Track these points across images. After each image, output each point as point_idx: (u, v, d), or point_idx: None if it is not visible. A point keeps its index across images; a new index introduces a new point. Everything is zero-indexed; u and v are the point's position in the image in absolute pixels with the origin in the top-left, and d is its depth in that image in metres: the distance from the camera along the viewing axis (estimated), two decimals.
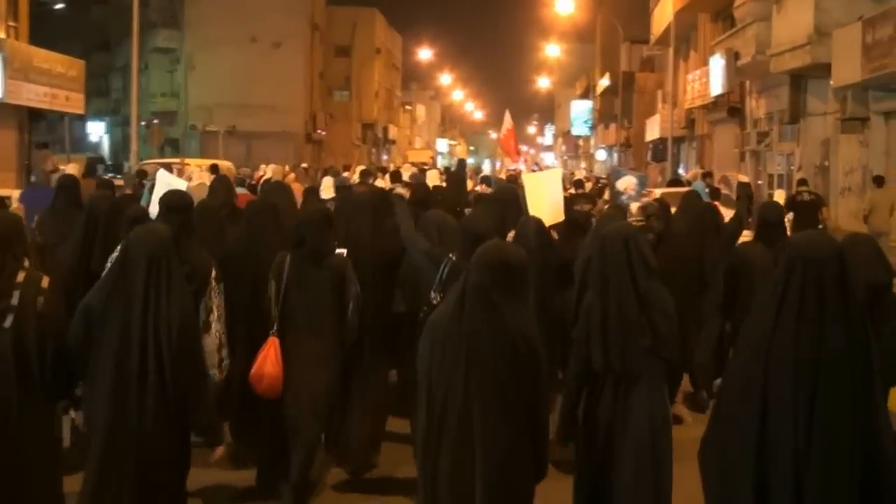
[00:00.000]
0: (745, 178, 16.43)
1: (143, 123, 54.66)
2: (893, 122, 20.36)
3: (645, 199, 12.05)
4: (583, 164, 71.75)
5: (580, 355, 4.93)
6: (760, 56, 24.97)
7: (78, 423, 5.19)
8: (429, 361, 4.25)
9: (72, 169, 14.97)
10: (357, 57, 68.40)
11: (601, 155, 64.46)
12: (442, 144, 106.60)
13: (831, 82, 21.04)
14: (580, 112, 69.76)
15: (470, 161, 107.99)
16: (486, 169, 50.84)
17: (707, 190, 16.90)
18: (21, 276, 4.67)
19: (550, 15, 66.25)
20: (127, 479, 4.52)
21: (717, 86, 28.29)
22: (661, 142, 39.78)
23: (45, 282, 4.74)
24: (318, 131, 61.12)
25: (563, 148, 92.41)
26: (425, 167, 30.61)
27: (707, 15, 34.72)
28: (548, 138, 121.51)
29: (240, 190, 13.87)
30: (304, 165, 31.84)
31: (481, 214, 6.94)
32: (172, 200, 6.04)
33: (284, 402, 5.95)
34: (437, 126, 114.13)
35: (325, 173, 19.44)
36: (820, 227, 16.77)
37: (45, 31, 40.66)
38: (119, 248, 5.32)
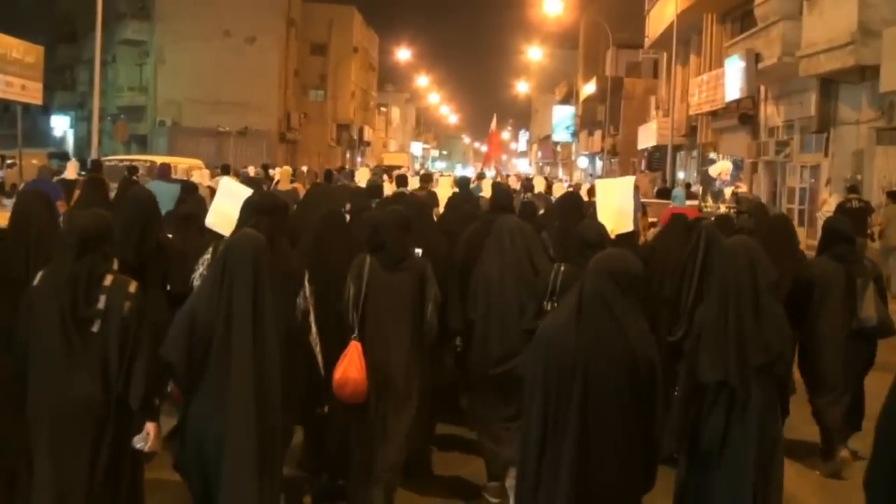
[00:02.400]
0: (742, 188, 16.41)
1: (109, 118, 52.22)
2: None
3: (740, 189, 12.13)
4: (560, 172, 69.43)
5: (692, 369, 4.78)
6: (787, 58, 22.50)
7: (148, 436, 4.68)
8: (543, 370, 4.19)
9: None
10: (333, 55, 65.98)
11: (583, 162, 62.05)
12: (416, 148, 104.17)
13: (880, 87, 18.52)
14: (562, 118, 67.32)
15: (442, 165, 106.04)
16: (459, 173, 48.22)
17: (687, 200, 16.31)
18: (109, 280, 4.65)
19: (533, 17, 64.15)
20: (249, 482, 4.44)
21: (733, 90, 25.76)
22: (656, 149, 37.28)
23: (133, 286, 4.73)
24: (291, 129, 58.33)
25: (539, 154, 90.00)
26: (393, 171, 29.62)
27: (713, 15, 32.29)
28: (522, 144, 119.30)
29: None
30: (305, 168, 30.36)
31: (594, 222, 6.53)
32: (264, 203, 5.76)
33: (368, 412, 5.73)
34: (412, 129, 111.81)
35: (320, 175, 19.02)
36: (869, 232, 16.93)
37: (8, 20, 37.96)
38: (214, 254, 5.33)
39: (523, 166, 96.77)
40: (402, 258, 5.89)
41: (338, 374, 5.60)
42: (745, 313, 4.64)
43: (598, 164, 55.61)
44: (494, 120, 28.19)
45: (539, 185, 22.21)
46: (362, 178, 18.78)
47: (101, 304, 4.57)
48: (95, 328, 4.56)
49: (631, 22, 46.40)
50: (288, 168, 21.02)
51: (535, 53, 69.98)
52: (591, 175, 56.47)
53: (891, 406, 3.76)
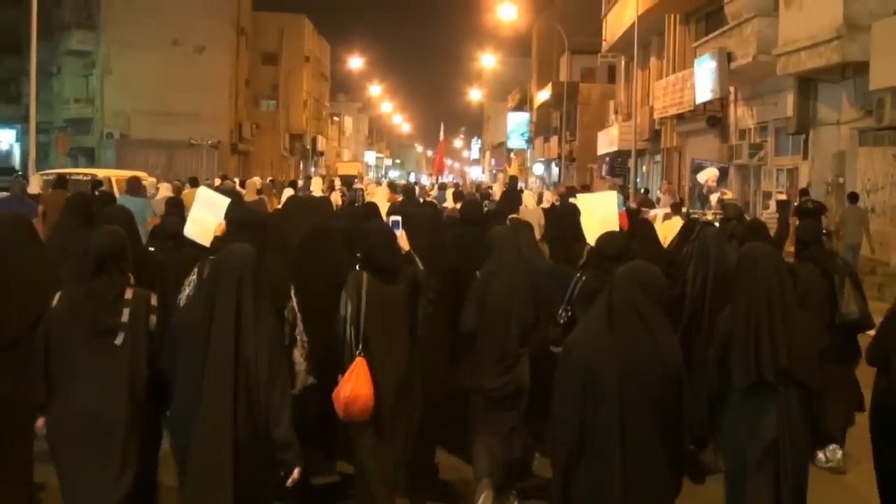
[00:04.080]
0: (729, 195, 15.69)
1: (55, 131, 49.64)
2: None
3: (727, 196, 11.94)
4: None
5: (714, 374, 4.73)
6: (763, 56, 20.95)
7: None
8: (577, 383, 4.15)
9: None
10: (285, 65, 63.97)
11: (538, 169, 60.55)
12: (370, 157, 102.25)
13: (870, 84, 16.99)
14: (517, 124, 65.71)
15: (395, 174, 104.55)
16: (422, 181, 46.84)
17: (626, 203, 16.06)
18: (129, 294, 4.68)
19: (486, 24, 62.57)
20: (222, 492, 4.34)
21: (704, 91, 24.18)
22: (617, 155, 35.71)
23: (154, 299, 4.81)
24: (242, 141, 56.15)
25: (493, 161, 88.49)
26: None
27: (676, 16, 30.80)
28: (475, 152, 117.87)
29: None
30: (270, 179, 29.43)
31: (613, 234, 6.24)
32: (245, 218, 5.75)
33: (375, 428, 5.48)
34: (365, 138, 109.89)
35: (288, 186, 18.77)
36: (824, 232, 16.42)
37: None
38: (199, 274, 5.19)
39: (476, 174, 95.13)
40: (395, 269, 5.66)
41: (346, 391, 5.34)
42: (775, 317, 4.57)
43: (555, 170, 54.14)
44: (442, 129, 27.37)
45: (497, 193, 20.73)
46: (316, 187, 18.24)
47: (125, 316, 4.59)
48: (119, 341, 4.57)
49: (586, 26, 45.01)
50: (256, 179, 20.19)
51: (488, 60, 68.55)
52: (543, 181, 55.20)
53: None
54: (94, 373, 4.54)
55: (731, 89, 25.18)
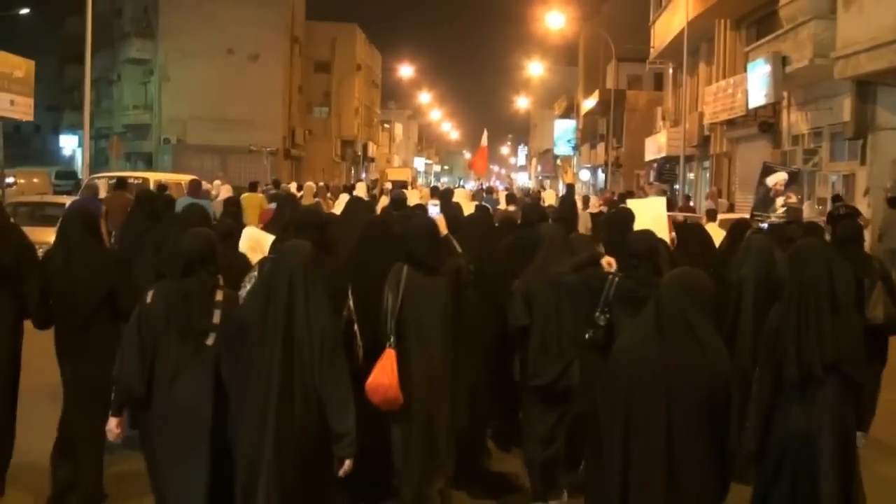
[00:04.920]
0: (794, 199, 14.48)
1: (114, 136, 49.84)
2: None
3: (791, 200, 11.70)
4: (561, 185, 67.01)
5: (768, 369, 4.60)
6: (820, 60, 19.90)
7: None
8: (625, 388, 4.11)
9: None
10: (337, 73, 63.86)
11: (584, 175, 59.54)
12: (419, 163, 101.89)
13: None
14: (564, 131, 64.75)
15: (445, 180, 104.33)
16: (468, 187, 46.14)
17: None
18: (220, 295, 4.71)
19: (534, 33, 61.78)
20: (281, 483, 4.35)
21: (757, 96, 23.13)
22: (665, 161, 34.67)
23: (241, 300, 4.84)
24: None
25: (539, 168, 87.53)
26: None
27: (727, 21, 29.72)
28: (521, 158, 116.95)
29: (270, 205, 13.79)
30: (324, 184, 28.89)
31: (644, 232, 5.81)
32: (305, 219, 5.76)
33: (410, 418, 5.52)
34: (415, 145, 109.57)
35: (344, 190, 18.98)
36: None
37: (14, 41, 35.72)
38: (260, 271, 5.20)
39: (522, 179, 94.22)
40: (435, 262, 5.65)
41: (369, 380, 5.41)
42: (823, 312, 4.49)
43: (601, 176, 53.17)
44: (485, 134, 26.86)
45: (549, 199, 20.16)
46: (360, 191, 18.33)
47: (216, 318, 4.62)
48: (210, 341, 4.61)
49: (633, 34, 44.06)
50: (311, 184, 20.18)
51: (535, 68, 67.63)
52: (592, 185, 54.35)
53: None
54: (187, 370, 4.61)
55: (785, 94, 24.14)
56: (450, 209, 9.22)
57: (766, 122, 25.40)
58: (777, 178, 12.51)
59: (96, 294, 5.74)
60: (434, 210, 5.86)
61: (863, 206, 19.83)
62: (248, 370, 4.44)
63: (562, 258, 5.99)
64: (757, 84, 23.17)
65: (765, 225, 11.50)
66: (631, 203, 9.32)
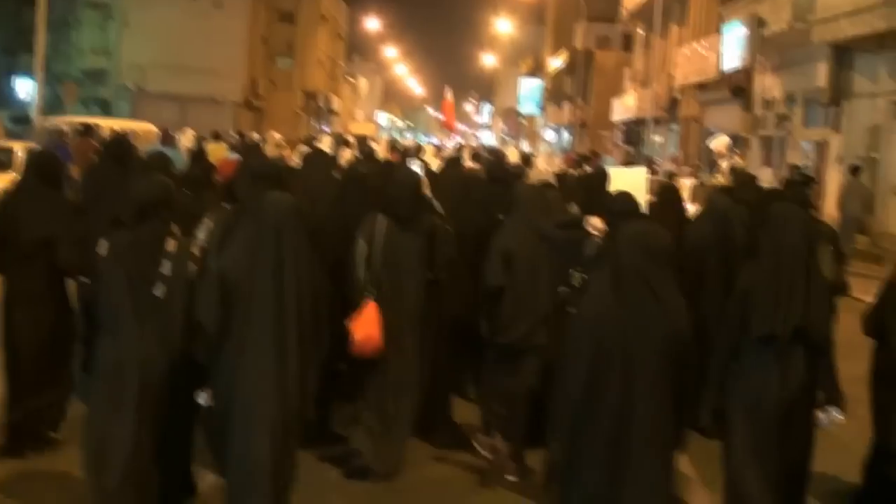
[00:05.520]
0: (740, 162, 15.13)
1: (69, 81, 48.11)
2: None
3: (736, 160, 11.72)
4: (525, 144, 66.23)
5: (734, 327, 4.63)
6: (799, 23, 19.31)
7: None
8: (586, 347, 4.10)
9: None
10: (301, 23, 62.03)
11: (549, 135, 58.85)
12: (383, 118, 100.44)
13: None
14: (530, 90, 63.83)
15: (408, 136, 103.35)
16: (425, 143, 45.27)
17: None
18: (171, 245, 4.60)
19: None
20: (263, 437, 4.33)
21: (731, 59, 22.54)
22: (634, 123, 34.09)
23: (198, 250, 4.77)
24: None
25: (503, 126, 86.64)
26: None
27: None
28: (485, 117, 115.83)
29: (232, 155, 13.52)
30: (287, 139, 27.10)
31: (622, 193, 5.84)
32: (261, 169, 5.71)
33: (380, 369, 5.58)
34: (379, 100, 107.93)
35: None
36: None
37: None
38: (219, 215, 5.37)
39: (486, 138, 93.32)
40: (412, 218, 5.64)
41: (360, 333, 5.42)
42: (799, 276, 4.49)
43: (566, 136, 52.50)
44: (447, 90, 26.13)
45: (513, 158, 19.61)
46: (324, 144, 17.40)
47: (166, 269, 4.50)
48: (158, 292, 4.49)
49: None
50: (275, 134, 19.43)
51: (502, 26, 66.45)
52: (552, 146, 53.69)
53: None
54: (135, 319, 4.48)
55: (759, 58, 23.55)
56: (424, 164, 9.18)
57: (738, 86, 24.85)
58: (719, 142, 12.46)
59: (35, 242, 5.71)
60: (416, 168, 5.64)
61: (835, 173, 19.38)
62: (237, 327, 4.34)
63: (540, 218, 5.93)
64: (731, 46, 22.58)
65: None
66: (613, 172, 9.08)
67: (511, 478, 5.82)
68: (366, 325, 5.41)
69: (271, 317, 4.32)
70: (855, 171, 17.39)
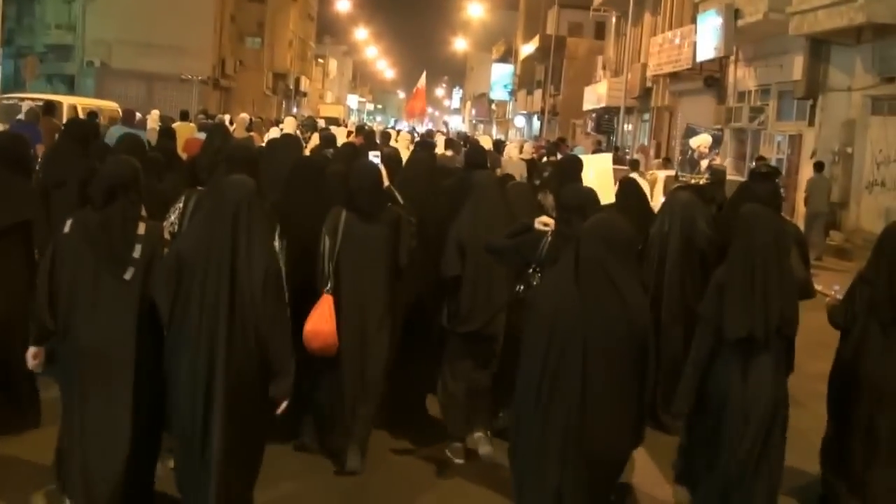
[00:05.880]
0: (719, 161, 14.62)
1: (30, 55, 46.87)
2: None
3: (715, 162, 11.79)
4: (495, 130, 65.87)
5: (710, 328, 4.60)
6: (775, 14, 19.02)
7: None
8: (544, 337, 4.07)
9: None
10: (271, 2, 60.94)
11: (520, 121, 58.47)
12: (353, 101, 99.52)
13: None
14: (501, 76, 63.39)
15: (378, 120, 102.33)
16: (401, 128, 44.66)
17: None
18: (142, 228, 4.49)
19: None
20: (219, 421, 4.24)
21: (706, 49, 22.23)
22: (605, 112, 33.78)
23: (167, 232, 4.76)
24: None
25: (473, 112, 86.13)
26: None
27: None
28: (455, 101, 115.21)
29: (199, 135, 13.24)
30: (261, 117, 27.64)
31: (576, 186, 5.79)
32: (236, 154, 5.59)
33: (342, 364, 5.48)
34: (349, 82, 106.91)
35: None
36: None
37: None
38: (185, 202, 5.32)
39: (456, 123, 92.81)
40: (375, 210, 5.60)
41: (308, 326, 5.32)
42: (770, 274, 4.48)
43: (536, 123, 52.13)
44: (424, 76, 25.59)
45: (485, 144, 19.23)
46: (288, 127, 17.24)
47: (136, 252, 4.40)
48: (128, 276, 4.38)
49: None
50: (245, 116, 18.51)
51: (475, 10, 65.83)
52: (523, 134, 53.32)
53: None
54: (103, 304, 4.37)
55: (734, 48, 23.26)
56: (388, 152, 8.82)
57: (711, 77, 24.58)
58: (701, 141, 12.29)
59: (5, 228, 5.62)
60: (376, 160, 5.98)
61: (808, 167, 19.15)
62: (189, 306, 4.26)
63: (496, 208, 5.90)
64: (706, 36, 22.26)
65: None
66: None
67: (460, 461, 5.88)
68: (316, 320, 5.35)
69: (224, 296, 4.24)
70: (819, 167, 17.30)
